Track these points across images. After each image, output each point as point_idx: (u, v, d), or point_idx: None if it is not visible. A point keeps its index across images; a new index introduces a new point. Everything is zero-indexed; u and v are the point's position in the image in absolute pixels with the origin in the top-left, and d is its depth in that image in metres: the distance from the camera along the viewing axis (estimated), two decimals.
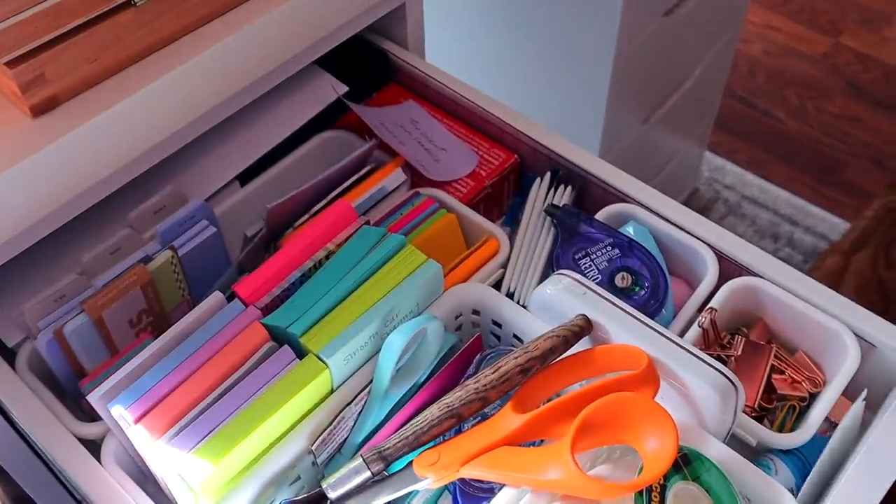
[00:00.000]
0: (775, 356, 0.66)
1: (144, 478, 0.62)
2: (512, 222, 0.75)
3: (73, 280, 0.62)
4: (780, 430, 0.64)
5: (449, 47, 0.85)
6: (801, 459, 0.63)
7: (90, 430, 0.60)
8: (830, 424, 0.66)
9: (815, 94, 2.11)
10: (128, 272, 0.62)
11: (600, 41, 1.19)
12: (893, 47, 2.21)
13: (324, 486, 0.57)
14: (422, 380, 0.63)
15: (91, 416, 0.62)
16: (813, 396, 0.66)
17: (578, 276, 0.63)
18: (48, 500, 0.78)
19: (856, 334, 0.64)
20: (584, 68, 1.24)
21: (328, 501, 0.57)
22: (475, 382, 0.59)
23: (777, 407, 0.66)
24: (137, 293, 0.63)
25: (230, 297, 0.62)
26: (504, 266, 0.70)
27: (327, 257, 0.64)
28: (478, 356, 0.65)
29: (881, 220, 1.46)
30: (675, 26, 1.32)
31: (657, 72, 1.39)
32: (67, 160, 0.60)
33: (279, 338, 0.61)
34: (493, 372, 0.59)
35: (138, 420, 0.56)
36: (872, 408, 0.64)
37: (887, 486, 0.53)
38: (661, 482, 0.54)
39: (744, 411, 0.63)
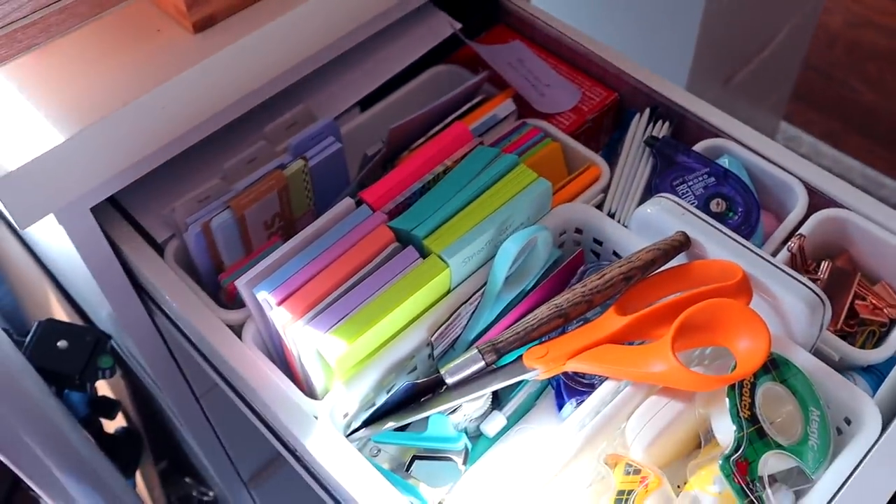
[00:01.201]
0: (859, 284, 0.71)
1: (275, 361, 0.69)
2: (610, 156, 0.80)
3: (216, 184, 0.69)
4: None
5: (550, 1, 0.91)
6: (879, 378, 0.68)
7: (232, 316, 0.67)
8: None
9: (894, 67, 2.10)
10: (267, 176, 0.69)
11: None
12: None
13: (442, 371, 0.63)
14: (530, 286, 0.69)
15: (226, 307, 0.69)
16: (893, 323, 0.70)
17: (677, 199, 0.68)
18: (171, 389, 0.86)
19: None
20: (673, 24, 1.28)
21: (444, 386, 0.64)
22: (582, 287, 0.64)
23: (858, 331, 0.71)
24: (274, 196, 0.70)
25: (357, 205, 0.69)
26: (605, 191, 0.75)
27: (445, 172, 0.71)
28: (580, 269, 0.71)
29: None
30: None
31: (742, 34, 1.42)
32: (222, 74, 0.67)
33: (403, 240, 0.67)
34: (599, 278, 0.64)
35: (280, 303, 0.62)
36: None
37: None
38: (752, 380, 0.59)
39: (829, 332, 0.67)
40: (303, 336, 0.62)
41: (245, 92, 0.69)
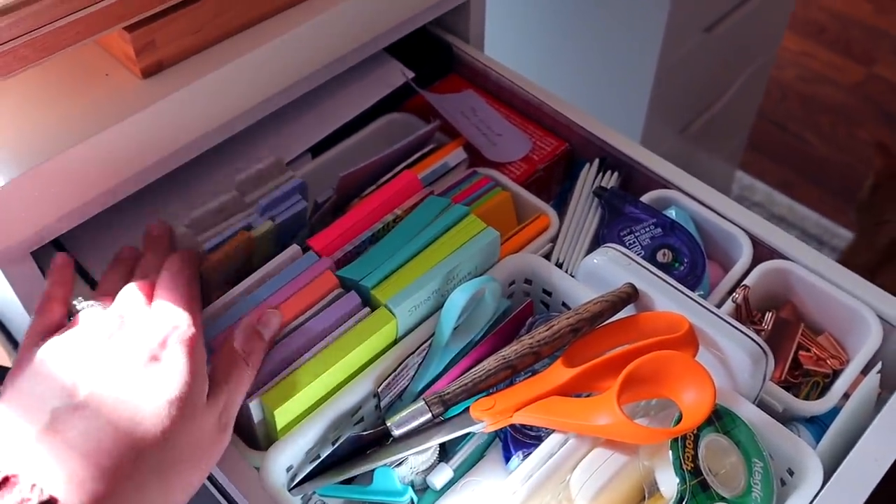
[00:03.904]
0: (803, 335, 0.71)
1: None
2: (561, 206, 0.81)
3: (182, 234, 0.68)
4: None
5: (503, 52, 0.92)
6: (822, 429, 0.68)
7: None
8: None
9: (846, 120, 2.16)
10: (234, 237, 0.67)
11: (644, 50, 1.25)
12: None
13: (388, 423, 0.62)
14: (478, 337, 0.69)
15: None
16: (836, 374, 0.71)
17: (624, 249, 0.69)
18: None
19: (879, 316, 0.69)
20: (628, 75, 1.30)
21: (391, 438, 0.63)
22: (530, 338, 0.64)
23: (802, 382, 0.71)
24: (241, 256, 0.69)
25: (304, 252, 0.68)
26: (553, 240, 0.75)
27: (395, 221, 0.71)
28: (529, 320, 0.71)
29: None
30: (715, 43, 1.38)
31: (696, 86, 1.45)
32: (170, 117, 0.66)
33: (349, 289, 0.67)
34: (546, 330, 0.64)
35: None
36: (890, 387, 0.69)
37: None
38: (695, 432, 0.60)
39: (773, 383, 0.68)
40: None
41: (195, 136, 0.69)
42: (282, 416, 0.60)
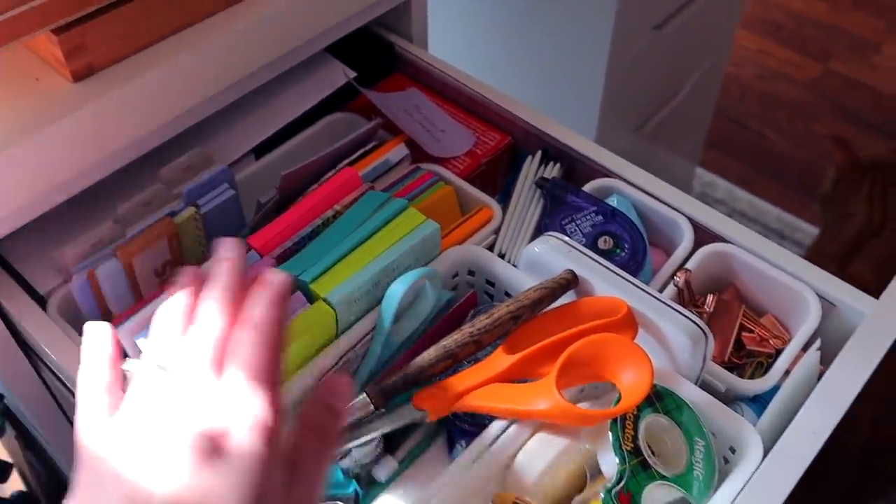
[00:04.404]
0: (745, 316, 0.72)
1: None
2: (506, 199, 0.81)
3: (108, 228, 0.68)
4: None
5: (453, 54, 0.93)
6: (765, 408, 0.69)
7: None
8: None
9: (804, 116, 2.18)
10: (156, 224, 0.68)
11: (594, 49, 1.26)
12: (880, 73, 2.29)
13: None
14: (421, 329, 0.69)
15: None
16: (780, 354, 0.71)
17: (564, 237, 0.69)
18: (63, 447, 0.83)
19: (819, 295, 0.70)
20: (579, 74, 1.31)
21: None
22: (470, 327, 0.64)
23: (746, 363, 0.72)
24: (164, 244, 0.69)
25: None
26: (496, 232, 0.75)
27: (335, 216, 0.70)
28: (472, 311, 0.71)
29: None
30: (666, 40, 1.39)
31: (648, 84, 1.46)
32: (102, 120, 0.66)
33: (294, 288, 0.66)
34: (487, 318, 0.65)
35: None
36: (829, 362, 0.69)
37: (841, 412, 0.59)
38: (635, 413, 0.60)
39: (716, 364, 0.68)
40: None
41: (130, 139, 0.69)
42: None
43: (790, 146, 2.11)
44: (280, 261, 0.68)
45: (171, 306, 0.48)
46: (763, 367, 0.71)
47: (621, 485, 0.56)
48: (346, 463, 0.63)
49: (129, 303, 0.70)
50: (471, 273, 0.73)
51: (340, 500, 0.62)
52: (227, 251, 0.50)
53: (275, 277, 0.48)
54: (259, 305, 0.46)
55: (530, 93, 1.39)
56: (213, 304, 0.47)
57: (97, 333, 0.49)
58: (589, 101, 1.34)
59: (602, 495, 0.55)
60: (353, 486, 0.62)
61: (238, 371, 0.44)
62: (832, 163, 1.62)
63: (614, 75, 1.31)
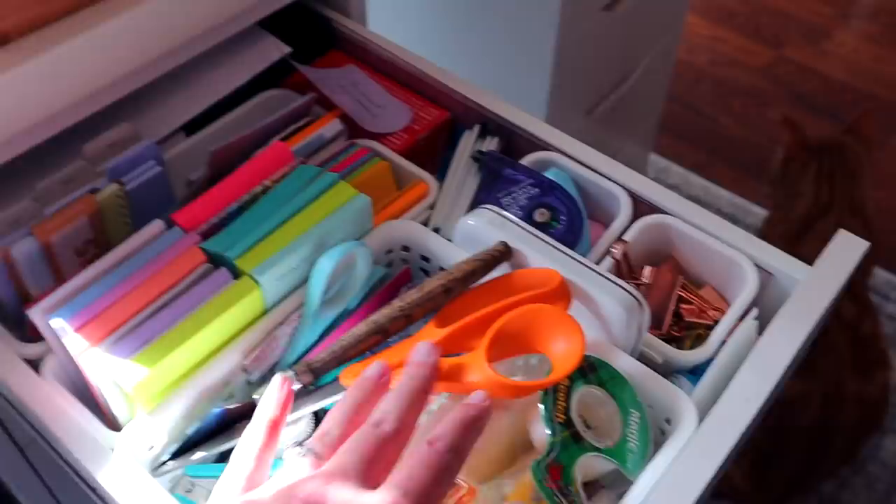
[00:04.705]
0: (684, 288, 0.71)
1: (83, 399, 0.64)
2: (445, 175, 0.79)
3: (27, 206, 0.66)
4: None
5: (393, 33, 0.91)
6: None
7: (31, 349, 0.63)
8: None
9: (758, 101, 2.19)
10: (76, 201, 0.66)
11: (542, 29, 1.25)
12: (832, 61, 2.31)
13: (255, 396, 0.60)
14: (353, 306, 0.67)
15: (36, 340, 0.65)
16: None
17: (499, 210, 0.67)
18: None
19: (756, 265, 0.69)
20: (527, 55, 1.30)
21: None
22: (400, 301, 0.63)
23: (686, 335, 0.71)
24: (84, 222, 0.66)
25: (169, 227, 0.66)
26: (432, 207, 0.74)
27: (264, 192, 0.68)
28: (405, 287, 0.69)
29: None
30: (615, 22, 1.38)
31: (599, 66, 1.45)
32: (17, 93, 0.63)
33: (217, 263, 0.64)
34: (418, 291, 0.63)
35: (77, 330, 0.59)
36: None
37: (775, 380, 0.58)
38: (567, 384, 0.58)
39: (655, 336, 0.67)
40: (99, 364, 0.58)
41: (47, 113, 0.66)
42: (139, 392, 0.57)
43: (744, 131, 2.12)
44: (206, 237, 0.65)
45: (349, 399, 0.48)
46: (703, 339, 0.70)
47: (552, 457, 0.55)
48: None
49: (50, 284, 0.68)
50: (405, 249, 0.72)
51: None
52: (421, 356, 0.50)
53: (480, 400, 0.48)
54: (450, 424, 0.46)
55: (477, 76, 1.37)
56: (393, 405, 0.46)
57: (274, 391, 0.51)
58: (538, 83, 1.33)
59: (532, 467, 0.54)
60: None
61: (394, 490, 0.42)
62: (783, 143, 1.62)
63: (564, 56, 1.29)
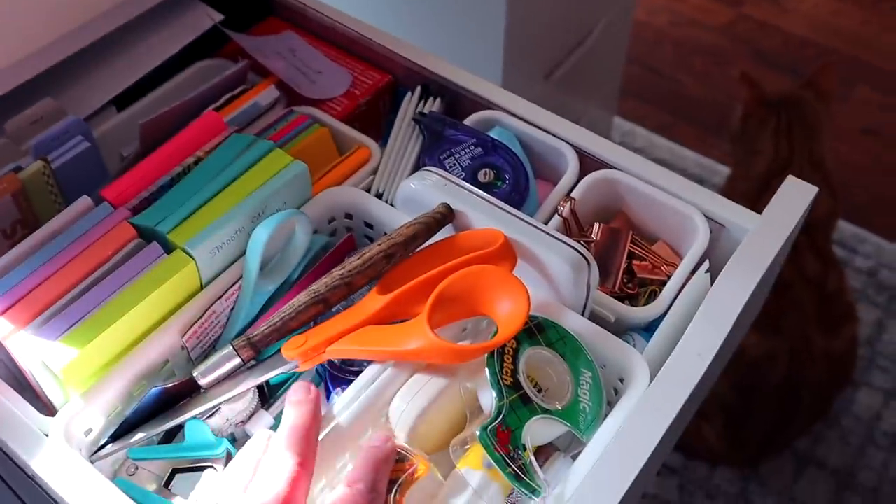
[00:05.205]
0: (635, 243, 0.69)
1: (20, 386, 0.62)
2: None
3: None
4: None
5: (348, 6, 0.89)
6: None
7: None
8: None
9: (719, 60, 2.17)
10: None
11: None
12: (792, 17, 2.29)
13: (194, 373, 0.58)
14: (294, 277, 0.65)
15: None
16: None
17: (441, 172, 0.65)
18: None
19: (707, 217, 0.68)
20: (478, 20, 1.27)
21: (201, 389, 0.59)
22: (340, 269, 0.61)
23: (640, 293, 0.69)
24: (8, 201, 0.63)
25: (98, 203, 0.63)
26: (375, 172, 0.72)
27: (196, 163, 0.66)
28: (349, 255, 0.67)
29: None
30: None
31: (553, 28, 1.43)
32: None
33: (148, 238, 0.62)
34: (358, 258, 0.61)
35: (2, 313, 0.56)
36: None
37: (725, 331, 0.57)
38: (514, 346, 0.57)
39: (606, 294, 0.66)
40: (27, 347, 0.56)
41: None
42: (70, 374, 0.55)
43: (706, 91, 2.11)
44: (136, 211, 0.63)
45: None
46: (657, 296, 0.69)
47: (499, 420, 0.53)
48: (215, 422, 0.60)
49: None
50: (348, 216, 0.69)
51: (212, 462, 0.58)
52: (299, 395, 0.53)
53: (382, 441, 0.54)
54: (364, 467, 0.52)
55: (429, 46, 1.35)
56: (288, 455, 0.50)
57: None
58: (492, 49, 1.30)
59: (478, 433, 0.52)
60: (224, 445, 0.58)
61: None
62: (741, 99, 1.61)
63: (515, 18, 1.27)
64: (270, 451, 0.52)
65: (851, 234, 1.79)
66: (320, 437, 0.54)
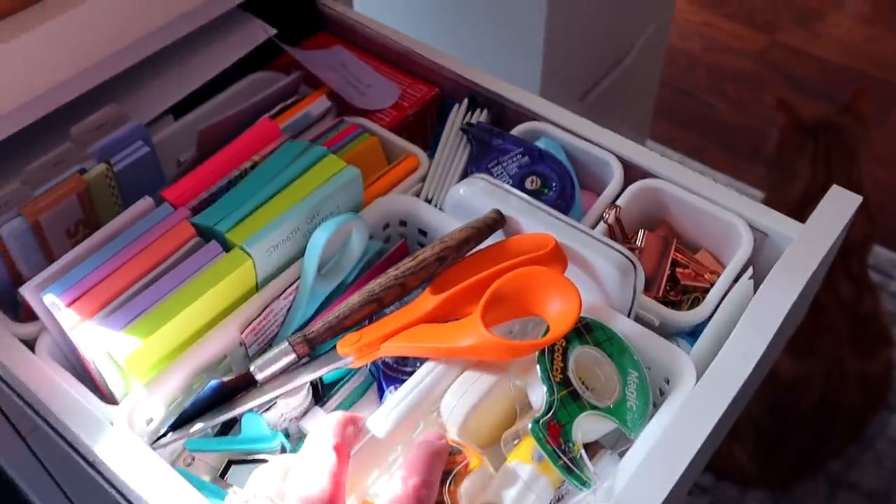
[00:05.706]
0: (679, 251, 0.71)
1: (80, 378, 0.64)
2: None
3: (16, 189, 0.65)
4: None
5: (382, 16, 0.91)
6: None
7: (25, 329, 0.62)
8: None
9: (752, 87, 2.19)
10: (64, 181, 0.65)
11: (531, 14, 1.25)
12: (825, 42, 2.30)
13: (251, 367, 0.60)
14: (349, 280, 0.67)
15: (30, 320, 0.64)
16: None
17: (489, 178, 0.67)
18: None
19: (750, 225, 0.69)
20: (517, 40, 1.30)
21: (257, 383, 0.60)
22: (395, 270, 0.62)
23: (683, 300, 0.70)
24: (73, 201, 0.66)
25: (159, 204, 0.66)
26: (423, 180, 0.74)
27: (253, 167, 0.68)
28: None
29: None
30: (603, 4, 1.38)
31: (589, 50, 1.45)
32: (2, 74, 0.63)
33: (207, 237, 0.64)
34: (412, 260, 0.63)
35: (69, 305, 0.58)
36: None
37: (770, 335, 0.58)
38: (563, 345, 0.58)
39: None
40: (92, 337, 0.58)
41: (32, 95, 0.66)
42: (132, 363, 0.57)
43: (738, 116, 2.12)
44: (195, 212, 0.65)
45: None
46: (700, 302, 0.70)
47: (550, 415, 0.54)
48: (271, 416, 0.61)
49: (41, 265, 0.67)
50: (402, 224, 0.71)
51: (267, 455, 0.60)
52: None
53: (436, 437, 0.54)
54: (418, 462, 0.52)
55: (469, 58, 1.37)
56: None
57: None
58: (530, 69, 1.32)
59: (531, 426, 0.54)
60: (279, 439, 0.60)
61: None
62: (777, 125, 1.62)
63: (554, 40, 1.29)
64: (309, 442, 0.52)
65: (887, 259, 1.78)
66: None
